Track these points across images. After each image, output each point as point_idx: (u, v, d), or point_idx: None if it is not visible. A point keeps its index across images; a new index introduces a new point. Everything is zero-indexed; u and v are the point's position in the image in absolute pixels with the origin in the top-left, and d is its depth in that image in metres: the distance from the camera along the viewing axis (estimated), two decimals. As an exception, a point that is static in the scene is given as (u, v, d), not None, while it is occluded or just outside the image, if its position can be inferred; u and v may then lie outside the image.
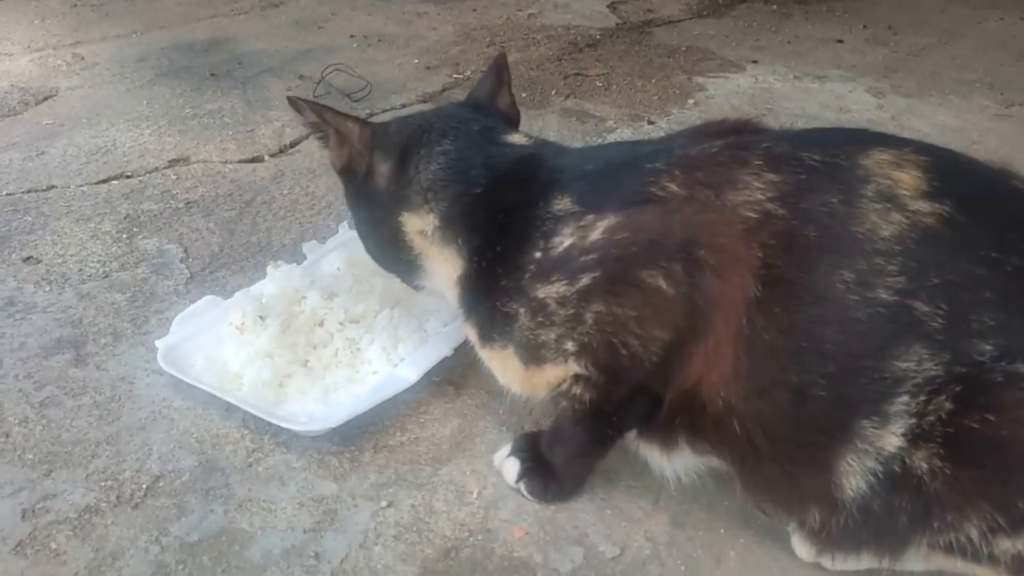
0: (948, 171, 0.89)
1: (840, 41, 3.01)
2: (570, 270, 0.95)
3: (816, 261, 0.86)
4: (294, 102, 1.13)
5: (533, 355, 1.01)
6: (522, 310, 0.99)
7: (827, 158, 0.90)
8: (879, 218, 0.84)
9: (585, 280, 0.94)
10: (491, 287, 1.03)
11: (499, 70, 1.21)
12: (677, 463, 1.05)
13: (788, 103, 2.43)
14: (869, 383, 0.84)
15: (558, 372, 1.01)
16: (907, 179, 0.86)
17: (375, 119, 2.24)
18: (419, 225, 1.09)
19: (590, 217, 0.95)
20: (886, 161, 0.88)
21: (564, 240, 0.96)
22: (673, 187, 0.93)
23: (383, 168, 1.11)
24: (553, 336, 0.98)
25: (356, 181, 1.15)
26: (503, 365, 1.07)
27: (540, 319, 0.98)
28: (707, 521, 1.09)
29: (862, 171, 0.87)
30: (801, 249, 0.87)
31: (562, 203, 0.98)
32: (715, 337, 0.91)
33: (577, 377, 1.00)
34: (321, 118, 1.12)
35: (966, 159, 0.96)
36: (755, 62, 2.77)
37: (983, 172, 0.94)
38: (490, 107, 1.19)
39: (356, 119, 1.14)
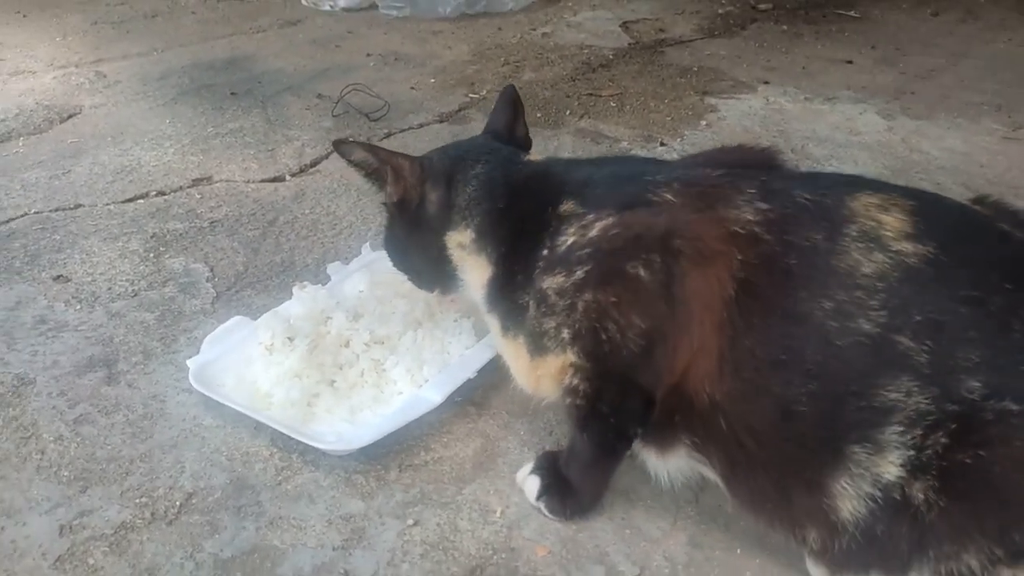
0: (933, 214, 0.95)
1: (850, 62, 3.04)
2: (568, 264, 1.03)
3: (795, 286, 0.92)
4: (342, 145, 1.20)
5: (537, 344, 1.08)
6: (531, 301, 1.08)
7: (816, 197, 0.96)
8: (861, 256, 0.90)
9: (580, 273, 1.02)
10: (510, 283, 1.12)
11: (513, 103, 1.30)
12: (672, 465, 1.09)
13: (799, 125, 2.47)
14: (857, 409, 0.89)
15: (558, 362, 1.07)
16: (892, 221, 0.92)
17: (393, 138, 2.30)
18: (459, 240, 1.18)
19: (590, 217, 1.04)
20: (873, 204, 0.94)
21: (568, 239, 1.05)
22: (668, 196, 1.02)
23: (433, 196, 1.20)
24: (553, 324, 1.05)
25: (408, 211, 1.22)
26: (515, 355, 1.14)
27: (543, 309, 1.06)
28: (724, 541, 1.12)
29: (848, 211, 0.94)
30: (781, 272, 0.93)
31: (567, 206, 1.07)
32: (699, 328, 0.96)
33: (574, 368, 1.06)
34: (377, 156, 1.20)
35: (952, 203, 1.02)
36: (767, 83, 2.81)
37: (968, 215, 0.99)
38: (508, 137, 1.28)
39: (406, 156, 1.22)
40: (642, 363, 1.00)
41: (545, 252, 1.06)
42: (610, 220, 1.02)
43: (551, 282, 1.04)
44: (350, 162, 1.21)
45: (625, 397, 1.05)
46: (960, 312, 0.87)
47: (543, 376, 1.10)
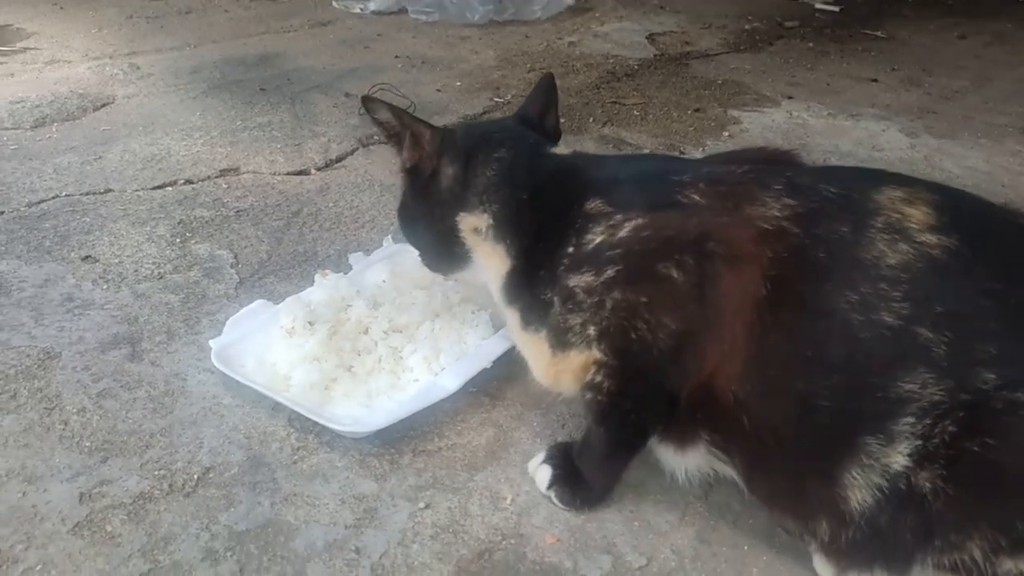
0: (957, 208, 0.95)
1: (875, 80, 3.05)
2: (597, 263, 1.04)
3: (823, 280, 0.93)
4: (370, 101, 1.21)
5: (560, 340, 1.09)
6: (556, 298, 1.08)
7: (842, 191, 0.97)
8: (886, 247, 0.91)
9: (610, 272, 1.03)
10: (532, 278, 1.12)
11: (548, 91, 1.30)
12: (690, 461, 1.10)
13: (822, 139, 2.48)
14: (874, 401, 0.90)
15: (582, 358, 1.07)
16: (916, 214, 0.92)
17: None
18: (474, 224, 1.17)
19: (619, 217, 1.05)
20: (898, 197, 0.94)
21: (595, 237, 1.05)
22: (696, 197, 1.02)
23: (448, 171, 1.19)
24: (579, 321, 1.06)
25: (420, 180, 1.22)
26: (536, 350, 1.15)
27: (570, 306, 1.06)
28: (732, 537, 1.13)
29: (874, 204, 0.94)
30: (810, 266, 0.94)
31: (594, 205, 1.08)
32: (728, 331, 0.97)
33: (598, 365, 1.06)
34: (399, 119, 1.20)
35: (976, 198, 1.02)
36: (790, 98, 2.82)
37: (992, 210, 1.00)
38: (538, 125, 1.28)
39: (428, 124, 1.21)
40: (670, 363, 1.01)
41: (571, 249, 1.07)
42: (640, 221, 1.02)
43: (578, 280, 1.05)
44: (374, 120, 1.21)
45: (649, 395, 1.05)
46: (981, 304, 0.87)
47: (563, 371, 1.11)
